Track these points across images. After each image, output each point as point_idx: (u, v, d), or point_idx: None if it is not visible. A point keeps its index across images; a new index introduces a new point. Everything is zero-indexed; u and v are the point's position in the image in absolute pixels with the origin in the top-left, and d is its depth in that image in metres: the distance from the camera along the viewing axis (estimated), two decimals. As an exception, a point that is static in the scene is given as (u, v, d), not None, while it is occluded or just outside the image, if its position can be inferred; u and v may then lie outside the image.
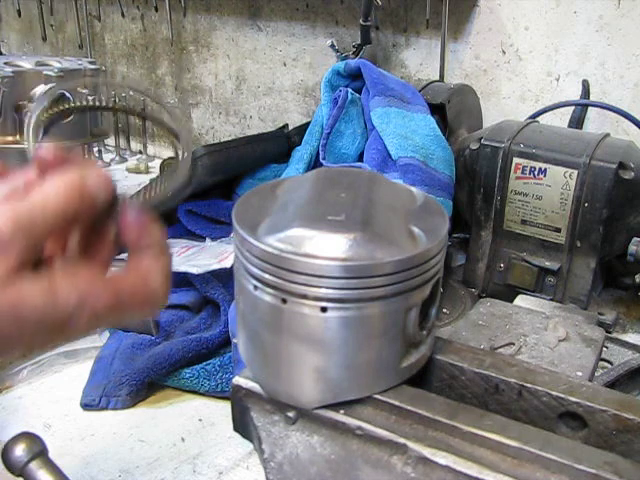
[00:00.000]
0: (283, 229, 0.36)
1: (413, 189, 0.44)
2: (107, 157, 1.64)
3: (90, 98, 1.13)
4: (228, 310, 0.77)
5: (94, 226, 0.37)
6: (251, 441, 0.42)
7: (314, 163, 1.01)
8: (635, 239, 0.82)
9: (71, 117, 1.11)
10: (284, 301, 0.35)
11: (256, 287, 0.37)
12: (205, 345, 0.76)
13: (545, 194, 0.85)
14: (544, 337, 0.55)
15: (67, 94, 1.10)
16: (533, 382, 0.41)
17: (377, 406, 0.38)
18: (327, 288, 0.34)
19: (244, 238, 0.36)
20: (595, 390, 0.40)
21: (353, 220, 0.36)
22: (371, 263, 0.34)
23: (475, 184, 0.90)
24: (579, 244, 0.85)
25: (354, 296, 0.35)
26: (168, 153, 1.65)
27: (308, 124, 1.04)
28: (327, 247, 0.34)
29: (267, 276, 0.35)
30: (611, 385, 0.66)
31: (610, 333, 0.83)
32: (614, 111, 1.02)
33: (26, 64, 1.13)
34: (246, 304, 0.39)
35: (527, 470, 0.34)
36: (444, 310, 0.87)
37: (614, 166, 0.80)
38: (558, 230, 0.86)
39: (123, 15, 1.66)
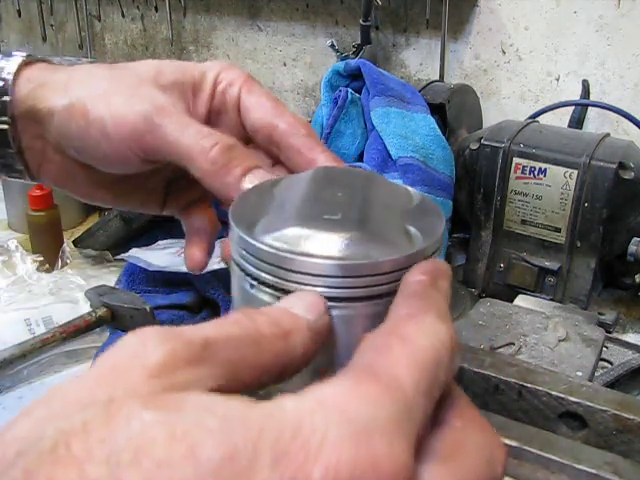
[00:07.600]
0: (280, 228, 0.35)
1: (410, 188, 0.44)
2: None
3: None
4: (228, 310, 0.77)
5: None
6: (249, 441, 0.42)
7: (314, 163, 1.00)
8: (635, 239, 0.82)
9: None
10: (280, 300, 0.35)
11: (252, 286, 0.36)
12: (204, 345, 0.76)
13: (545, 194, 0.85)
14: (544, 337, 0.55)
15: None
16: (533, 382, 0.41)
17: (375, 406, 0.38)
18: (323, 287, 0.34)
19: (240, 236, 0.36)
20: (595, 390, 0.40)
21: (349, 219, 0.36)
22: (367, 262, 0.34)
23: (475, 184, 0.90)
24: (579, 244, 0.84)
25: (350, 295, 0.34)
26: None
27: (308, 124, 1.04)
28: (323, 246, 0.34)
29: (263, 275, 0.35)
30: (611, 385, 0.66)
31: (610, 333, 0.83)
32: (614, 111, 1.02)
33: (25, 64, 1.13)
34: (243, 303, 0.38)
35: (527, 470, 0.34)
36: (444, 310, 0.86)
37: (614, 166, 0.80)
38: (558, 230, 0.85)
39: (123, 15, 1.66)
